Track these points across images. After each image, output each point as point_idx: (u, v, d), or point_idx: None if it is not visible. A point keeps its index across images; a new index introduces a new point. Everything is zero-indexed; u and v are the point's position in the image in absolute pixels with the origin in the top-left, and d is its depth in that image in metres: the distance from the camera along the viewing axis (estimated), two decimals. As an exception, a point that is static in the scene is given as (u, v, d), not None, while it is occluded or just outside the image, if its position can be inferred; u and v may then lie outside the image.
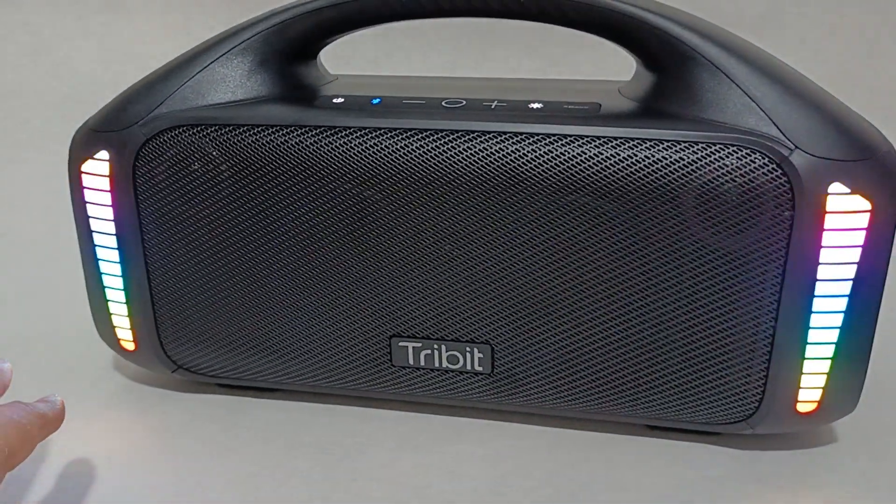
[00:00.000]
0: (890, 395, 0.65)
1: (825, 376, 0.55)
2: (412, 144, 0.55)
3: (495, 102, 0.57)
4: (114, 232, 0.61)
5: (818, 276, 0.52)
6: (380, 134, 0.56)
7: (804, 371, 0.55)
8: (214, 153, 0.58)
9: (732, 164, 0.51)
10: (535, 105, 0.57)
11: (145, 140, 0.59)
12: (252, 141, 0.57)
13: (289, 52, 0.62)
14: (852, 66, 1.00)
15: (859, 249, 0.52)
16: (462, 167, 0.54)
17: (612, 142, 0.53)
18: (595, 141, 0.53)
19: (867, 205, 0.51)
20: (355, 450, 0.60)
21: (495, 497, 0.55)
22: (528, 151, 0.54)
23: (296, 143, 0.57)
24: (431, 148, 0.55)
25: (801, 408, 0.56)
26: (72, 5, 1.05)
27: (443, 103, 0.58)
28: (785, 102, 0.52)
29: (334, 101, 0.60)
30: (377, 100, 0.59)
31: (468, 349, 0.59)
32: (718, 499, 0.55)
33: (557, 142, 0.54)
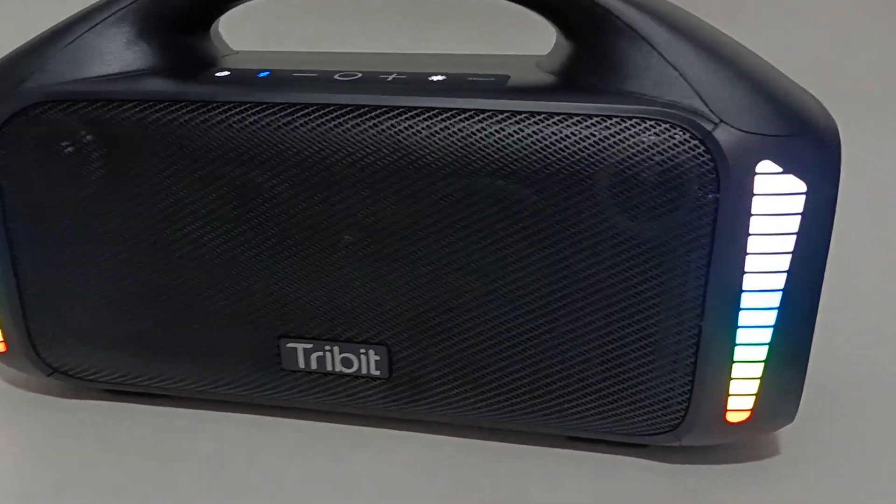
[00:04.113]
0: (841, 405, 0.59)
1: (758, 381, 0.49)
2: (296, 121, 0.49)
3: (393, 75, 0.51)
4: (-25, 220, 0.55)
5: (746, 268, 0.46)
6: (261, 110, 0.50)
7: (734, 376, 0.49)
8: (83, 131, 0.52)
9: (650, 141, 0.45)
10: (437, 78, 0.51)
11: (9, 117, 0.52)
12: (124, 118, 0.51)
13: (173, 22, 0.55)
14: (815, 46, 0.94)
15: (793, 237, 0.45)
16: (351, 146, 0.48)
17: (515, 116, 0.47)
18: (497, 116, 0.47)
19: (801, 186, 0.45)
20: (241, 461, 0.54)
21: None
22: (422, 128, 0.48)
23: (169, 120, 0.51)
24: (317, 125, 0.49)
25: (732, 417, 0.50)
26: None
27: (336, 76, 0.52)
28: (712, 72, 0.46)
29: (217, 74, 0.54)
30: (265, 73, 0.53)
31: (363, 351, 0.53)
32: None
33: (455, 117, 0.48)
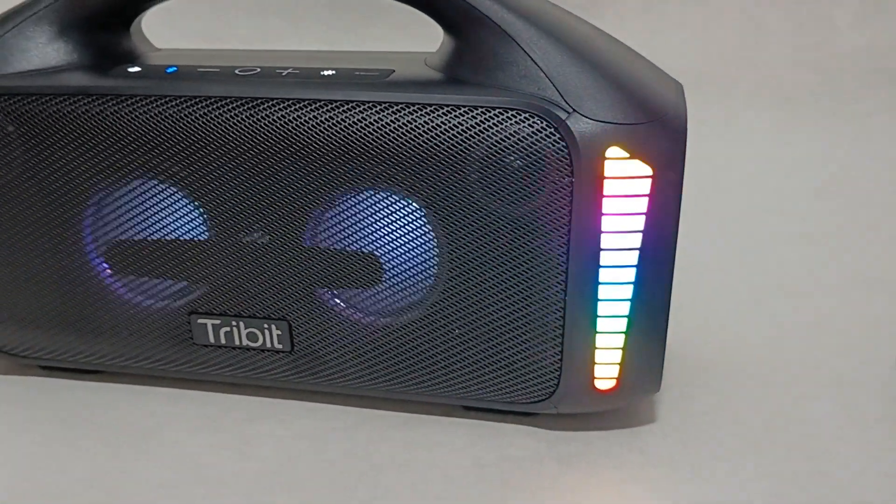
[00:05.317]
0: (721, 377, 0.63)
1: (621, 351, 0.53)
2: (197, 112, 0.53)
3: (289, 70, 0.55)
4: None
5: (602, 246, 0.50)
6: (166, 102, 0.54)
7: (598, 346, 0.53)
8: (5, 122, 0.56)
9: (512, 129, 0.49)
10: (328, 72, 0.55)
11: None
12: (41, 110, 0.55)
13: (91, 21, 0.59)
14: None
15: (643, 217, 0.49)
16: (247, 135, 0.52)
17: (393, 107, 0.51)
18: (377, 107, 0.51)
19: (648, 170, 0.49)
20: (151, 430, 0.58)
21: (276, 477, 0.53)
22: (309, 118, 0.52)
23: (82, 111, 0.55)
24: (216, 115, 0.53)
25: (600, 385, 0.54)
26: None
27: (236, 71, 0.56)
28: (568, 65, 0.50)
29: (129, 69, 0.58)
30: (172, 68, 0.57)
31: (266, 326, 0.57)
32: (510, 479, 0.53)
33: (339, 108, 0.52)
